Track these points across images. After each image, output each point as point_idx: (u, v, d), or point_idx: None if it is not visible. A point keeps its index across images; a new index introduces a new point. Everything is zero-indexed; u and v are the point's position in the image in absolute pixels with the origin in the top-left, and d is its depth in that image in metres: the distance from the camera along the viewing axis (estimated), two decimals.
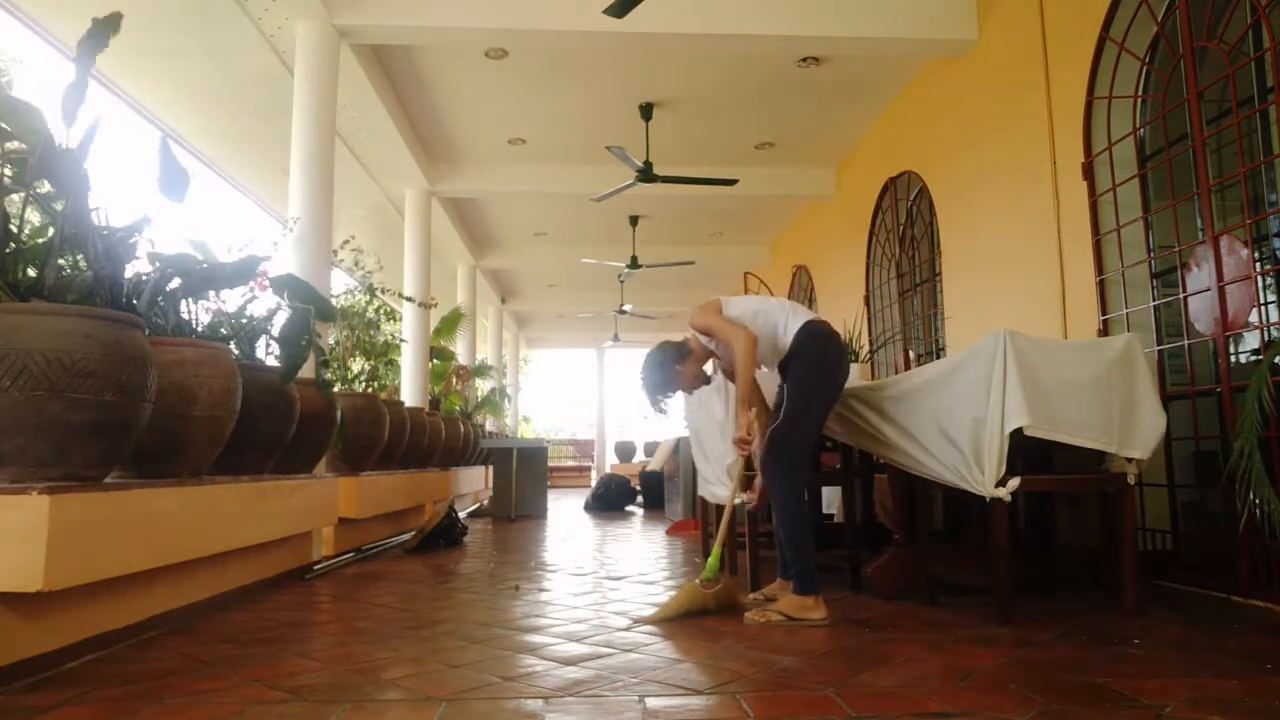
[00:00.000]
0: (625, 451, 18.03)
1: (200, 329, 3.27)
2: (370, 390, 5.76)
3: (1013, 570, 2.73)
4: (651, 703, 1.84)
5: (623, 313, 13.43)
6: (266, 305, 3.68)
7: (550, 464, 12.30)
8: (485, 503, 9.42)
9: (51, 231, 2.43)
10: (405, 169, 7.83)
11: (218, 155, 7.61)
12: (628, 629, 2.65)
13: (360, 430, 4.85)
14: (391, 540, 5.61)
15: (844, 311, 7.27)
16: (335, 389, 4.51)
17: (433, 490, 6.92)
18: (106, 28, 2.40)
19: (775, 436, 2.88)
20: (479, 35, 5.40)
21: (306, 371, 3.70)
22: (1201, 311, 3.37)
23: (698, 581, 2.95)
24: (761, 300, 3.11)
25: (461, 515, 6.49)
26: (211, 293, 3.32)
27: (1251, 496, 2.52)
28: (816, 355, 2.91)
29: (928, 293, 6.42)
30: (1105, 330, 3.98)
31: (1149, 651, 2.29)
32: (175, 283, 2.96)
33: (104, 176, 2.55)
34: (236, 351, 3.39)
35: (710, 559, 3.01)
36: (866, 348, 6.31)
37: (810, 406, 2.89)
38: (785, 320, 2.96)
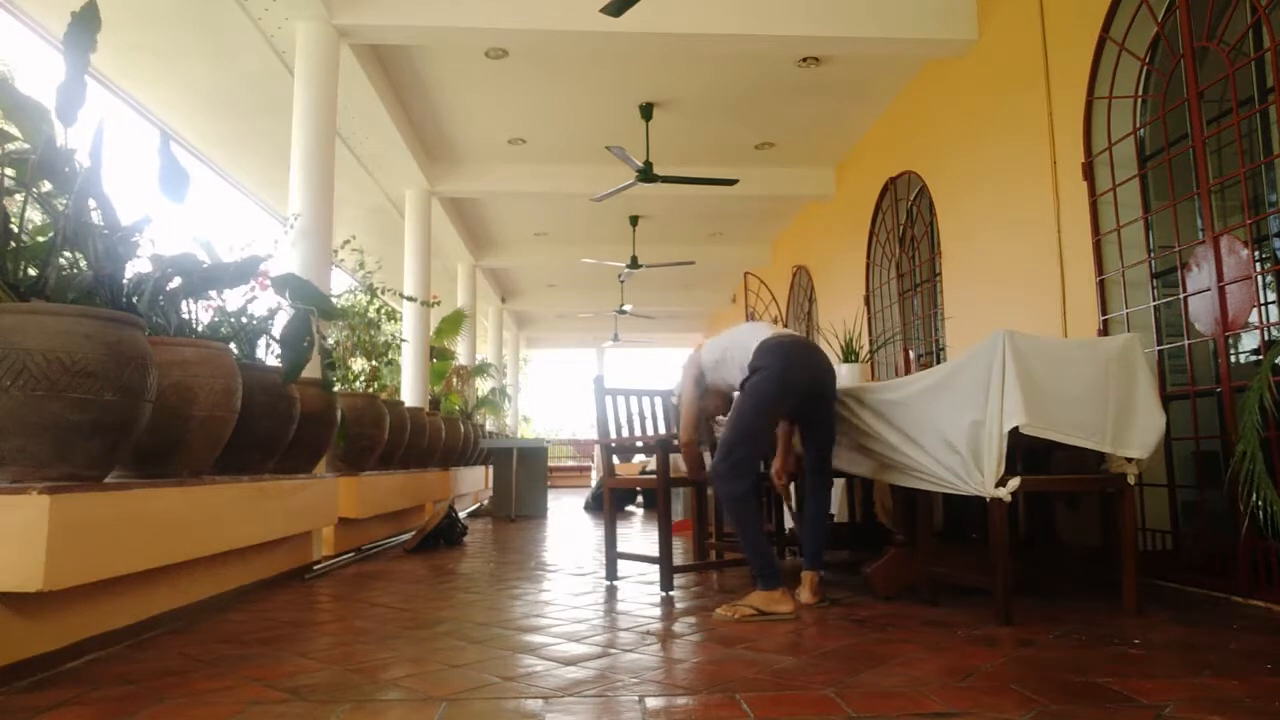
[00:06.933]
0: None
1: (201, 329, 3.27)
2: (370, 390, 5.76)
3: (1013, 570, 2.72)
4: (651, 703, 1.84)
5: (623, 313, 13.44)
6: (267, 305, 3.68)
7: (550, 464, 12.30)
8: (485, 503, 9.42)
9: (52, 231, 2.43)
10: (405, 169, 7.82)
11: (217, 155, 7.61)
12: (644, 632, 2.65)
13: (360, 430, 4.85)
14: (391, 540, 5.61)
15: (844, 311, 7.28)
16: (336, 389, 4.51)
17: (433, 490, 6.92)
18: (88, 21, 2.39)
19: (718, 448, 3.07)
20: (479, 35, 5.40)
21: (312, 372, 3.69)
22: (1201, 311, 3.37)
23: None
24: (723, 349, 3.26)
25: (461, 515, 6.49)
26: (213, 292, 3.31)
27: (1254, 498, 2.51)
28: (750, 378, 3.08)
29: (928, 293, 6.42)
30: (1105, 330, 3.98)
31: (1149, 651, 2.29)
32: (176, 282, 2.96)
33: (106, 177, 2.55)
34: (237, 351, 3.39)
35: None
36: (866, 348, 6.31)
37: (741, 415, 3.05)
38: (736, 373, 3.16)
